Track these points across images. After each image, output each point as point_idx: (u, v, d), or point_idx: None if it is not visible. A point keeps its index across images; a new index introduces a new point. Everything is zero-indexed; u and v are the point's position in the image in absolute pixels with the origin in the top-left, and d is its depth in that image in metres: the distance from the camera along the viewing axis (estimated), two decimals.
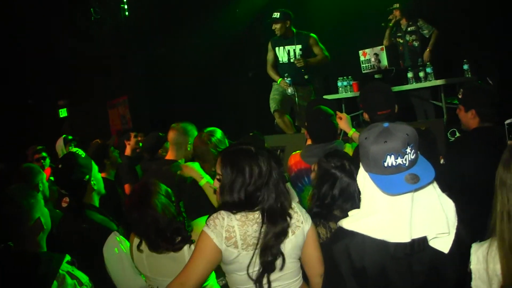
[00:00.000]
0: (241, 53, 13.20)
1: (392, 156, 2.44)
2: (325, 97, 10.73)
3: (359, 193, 3.11)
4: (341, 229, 2.66)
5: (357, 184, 3.53)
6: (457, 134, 8.08)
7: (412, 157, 2.48)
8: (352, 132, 5.13)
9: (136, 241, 3.75)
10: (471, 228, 2.71)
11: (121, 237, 3.90)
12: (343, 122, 5.16)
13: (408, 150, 2.46)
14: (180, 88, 13.40)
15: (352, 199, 3.74)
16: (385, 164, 2.46)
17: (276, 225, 3.12)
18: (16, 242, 3.24)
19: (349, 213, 2.75)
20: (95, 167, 4.22)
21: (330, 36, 11.28)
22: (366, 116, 4.61)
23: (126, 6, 12.86)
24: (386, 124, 2.54)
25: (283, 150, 7.49)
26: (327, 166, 3.89)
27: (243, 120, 12.56)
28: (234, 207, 3.16)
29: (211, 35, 12.73)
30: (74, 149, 4.30)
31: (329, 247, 2.74)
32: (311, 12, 11.97)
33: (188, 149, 5.42)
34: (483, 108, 4.45)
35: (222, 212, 3.18)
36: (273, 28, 9.52)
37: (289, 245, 3.18)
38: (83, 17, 12.71)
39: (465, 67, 9.39)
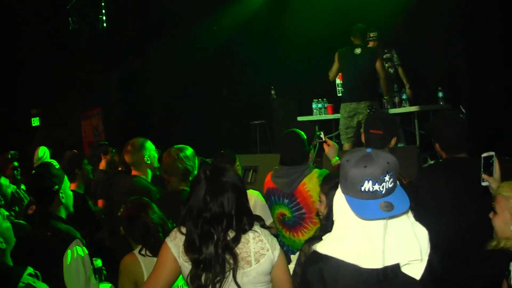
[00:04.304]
0: (217, 71, 13.21)
1: (370, 181, 2.45)
2: (299, 118, 10.83)
3: None
4: (316, 252, 2.67)
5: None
6: (429, 161, 8.14)
7: (390, 185, 2.49)
8: (335, 160, 5.25)
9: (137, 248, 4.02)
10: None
11: (83, 247, 3.94)
12: (330, 149, 5.34)
13: (387, 178, 2.47)
14: (154, 102, 13.38)
15: None
16: (362, 189, 2.47)
17: (190, 256, 3.12)
18: None
19: (323, 237, 2.73)
20: (66, 182, 4.24)
21: (307, 58, 11.37)
22: (362, 137, 4.71)
23: (104, 18, 12.80)
24: (369, 150, 2.56)
25: (256, 170, 7.49)
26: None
27: (217, 138, 12.57)
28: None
29: (188, 52, 12.73)
30: (50, 160, 4.34)
31: (303, 270, 2.76)
32: (288, 33, 12.03)
33: (148, 162, 5.62)
34: (446, 141, 4.37)
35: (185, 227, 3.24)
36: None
37: (253, 272, 3.14)
38: (61, 26, 12.64)
39: (440, 94, 9.49)
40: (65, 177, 4.26)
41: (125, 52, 13.46)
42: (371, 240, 2.50)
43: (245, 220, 3.21)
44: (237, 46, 12.90)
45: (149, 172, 5.70)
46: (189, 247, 3.11)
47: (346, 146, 8.95)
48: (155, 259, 3.70)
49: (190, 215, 3.16)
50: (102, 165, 7.91)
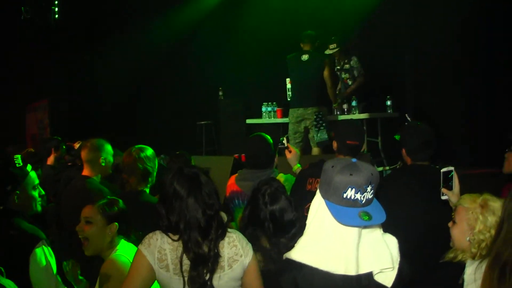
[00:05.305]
0: (167, 68, 13.08)
1: (353, 189, 2.50)
2: (247, 121, 10.86)
3: (281, 217, 3.60)
4: (289, 260, 2.67)
5: (277, 210, 3.73)
6: (376, 168, 8.26)
7: (370, 196, 2.55)
8: (296, 167, 5.34)
9: None
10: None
11: (49, 247, 3.85)
12: (292, 155, 5.44)
13: (369, 188, 2.52)
14: (102, 98, 13.15)
15: (263, 224, 3.76)
16: (344, 195, 2.51)
17: (193, 255, 3.12)
18: None
19: (296, 244, 2.74)
20: (30, 180, 4.08)
21: (259, 61, 11.39)
22: (335, 145, 4.80)
23: (56, 9, 12.54)
24: (354, 160, 2.61)
25: (207, 172, 7.45)
26: (254, 191, 3.94)
27: (162, 136, 12.42)
28: (168, 229, 3.19)
29: (139, 48, 12.59)
30: (16, 156, 4.19)
31: (277, 279, 2.75)
32: (241, 35, 12.06)
33: (103, 164, 5.48)
34: (412, 148, 4.60)
35: (158, 232, 3.21)
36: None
37: (225, 278, 3.18)
38: (12, 15, 12.33)
39: (388, 103, 9.68)
40: (32, 174, 4.13)
41: (76, 46, 13.19)
42: (345, 247, 2.54)
43: (225, 216, 3.31)
44: (189, 45, 12.81)
45: (99, 176, 5.58)
46: (191, 246, 3.11)
47: None
48: None
49: (183, 217, 3.14)
50: (51, 160, 7.72)
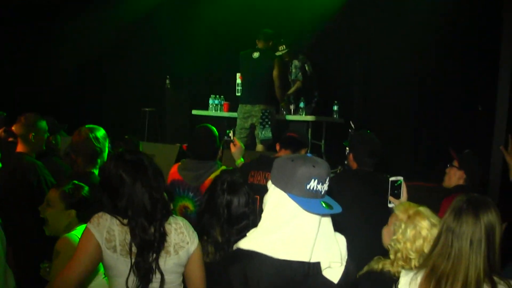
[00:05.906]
0: (116, 50, 12.87)
1: (316, 180, 2.55)
2: (193, 112, 10.84)
3: (236, 207, 3.69)
4: (239, 250, 2.67)
5: (234, 199, 3.81)
6: None
7: (326, 188, 2.61)
8: (239, 161, 5.53)
9: None
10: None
11: (1, 231, 3.87)
12: (236, 149, 5.63)
13: (327, 180, 2.60)
14: (50, 78, 12.80)
15: (218, 211, 3.82)
16: (307, 187, 2.55)
17: (139, 240, 3.14)
18: None
19: (248, 233, 2.75)
20: None
21: (210, 53, 11.38)
22: (278, 146, 5.15)
23: None
24: (309, 154, 2.67)
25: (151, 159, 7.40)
26: (215, 179, 4.01)
27: (110, 120, 12.23)
28: (116, 212, 3.18)
29: (90, 29, 12.27)
30: None
31: (225, 269, 2.72)
32: (197, 25, 11.98)
33: (33, 140, 5.46)
34: (360, 155, 4.86)
35: (106, 214, 3.19)
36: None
37: (171, 262, 3.22)
38: None
39: (335, 108, 9.78)
40: None
41: (22, 24, 12.80)
42: (304, 235, 2.56)
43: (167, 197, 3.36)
44: (140, 30, 12.60)
45: (34, 153, 5.54)
46: (138, 232, 3.14)
47: None
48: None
49: (131, 203, 3.16)
50: None
